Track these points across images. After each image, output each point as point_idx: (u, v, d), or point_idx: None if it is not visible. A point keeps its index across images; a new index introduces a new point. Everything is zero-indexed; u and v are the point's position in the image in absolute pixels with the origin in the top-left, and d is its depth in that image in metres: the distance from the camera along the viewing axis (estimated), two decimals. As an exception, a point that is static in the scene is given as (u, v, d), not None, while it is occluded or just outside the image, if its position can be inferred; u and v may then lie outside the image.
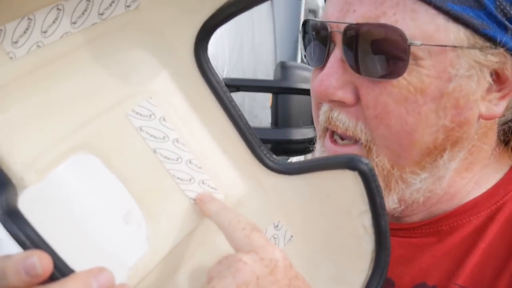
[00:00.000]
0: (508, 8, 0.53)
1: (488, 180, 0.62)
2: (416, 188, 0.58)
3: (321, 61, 0.59)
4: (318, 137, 0.64)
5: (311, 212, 0.51)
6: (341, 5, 0.56)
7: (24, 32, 0.40)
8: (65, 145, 0.43)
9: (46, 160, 0.42)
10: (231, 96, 0.49)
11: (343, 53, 0.56)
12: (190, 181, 0.49)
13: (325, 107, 0.60)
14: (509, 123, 0.63)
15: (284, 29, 3.96)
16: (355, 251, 0.48)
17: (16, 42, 0.40)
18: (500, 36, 0.53)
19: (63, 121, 0.43)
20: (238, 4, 0.43)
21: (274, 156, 0.51)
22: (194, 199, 0.49)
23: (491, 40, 0.53)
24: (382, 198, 0.45)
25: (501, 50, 0.54)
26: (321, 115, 0.60)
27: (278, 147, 3.11)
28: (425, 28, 0.52)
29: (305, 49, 0.63)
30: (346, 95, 0.56)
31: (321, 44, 0.59)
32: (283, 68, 2.62)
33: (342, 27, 0.55)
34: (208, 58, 0.48)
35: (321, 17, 0.60)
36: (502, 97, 0.57)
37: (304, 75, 2.12)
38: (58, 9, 0.41)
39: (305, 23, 0.63)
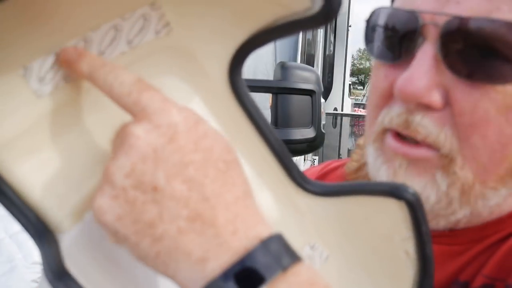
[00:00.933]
0: None
1: None
2: (491, 204, 0.53)
3: (399, 56, 0.52)
4: (372, 140, 0.57)
5: (348, 233, 0.48)
6: None
7: (51, 68, 0.38)
8: (95, 181, 0.39)
9: (78, 200, 0.39)
10: (266, 120, 0.47)
11: (439, 50, 0.49)
12: None
13: (398, 109, 0.52)
14: None
15: (284, 30, 3.95)
16: (395, 275, 0.46)
17: (42, 79, 0.38)
18: None
19: (90, 156, 0.41)
20: (274, 32, 0.41)
21: (311, 179, 0.49)
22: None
23: None
24: (427, 226, 0.43)
25: None
26: (388, 116, 0.53)
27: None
28: None
29: (370, 38, 0.56)
30: (436, 98, 0.49)
31: (405, 36, 0.51)
32: (283, 68, 2.62)
33: (441, 19, 0.48)
34: (243, 82, 0.46)
35: (402, 5, 0.52)
36: None
37: (304, 75, 2.12)
38: (84, 41, 0.39)
39: (377, 11, 0.55)
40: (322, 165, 0.81)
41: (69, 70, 0.38)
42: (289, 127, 2.65)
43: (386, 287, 0.48)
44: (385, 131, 0.55)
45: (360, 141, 0.69)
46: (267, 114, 3.66)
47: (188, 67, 0.45)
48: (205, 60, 0.45)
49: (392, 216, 0.44)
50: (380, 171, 0.55)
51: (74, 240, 0.38)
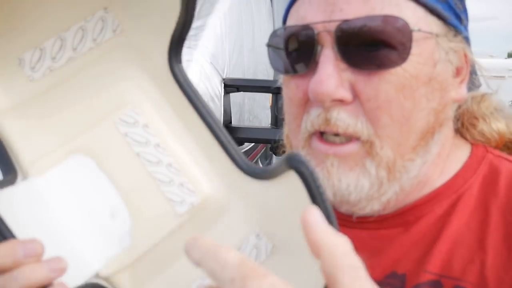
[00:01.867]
0: (458, 3, 0.60)
1: (450, 168, 0.64)
2: (411, 176, 0.59)
3: (307, 67, 0.58)
4: (301, 148, 0.62)
5: (290, 219, 0.49)
6: (323, 7, 0.57)
7: (39, 59, 0.51)
8: (65, 148, 0.52)
9: (47, 160, 0.51)
10: (207, 105, 0.52)
11: (337, 51, 0.56)
12: (169, 183, 0.53)
13: (316, 111, 0.58)
14: (456, 111, 0.66)
15: (284, 29, 3.96)
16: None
17: (33, 68, 0.51)
18: (458, 25, 0.60)
19: (66, 129, 0.52)
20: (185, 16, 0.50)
21: (250, 162, 0.51)
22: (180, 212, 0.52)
23: (454, 29, 0.59)
24: (321, 193, 0.42)
25: (460, 37, 0.60)
26: (310, 120, 0.59)
27: (278, 147, 3.11)
28: (409, 19, 0.55)
29: (276, 59, 0.63)
30: (345, 93, 0.56)
31: (304, 48, 0.58)
32: (283, 68, 2.63)
33: (332, 26, 0.55)
34: (182, 68, 0.52)
35: (295, 22, 0.60)
36: (462, 81, 0.62)
37: (304, 75, 2.13)
38: (60, 39, 0.52)
39: (275, 33, 0.63)
40: None
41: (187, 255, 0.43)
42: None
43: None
44: (310, 136, 0.60)
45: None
46: (267, 114, 3.67)
47: (139, 58, 0.54)
48: (151, 51, 0.54)
49: (297, 189, 0.45)
50: None
51: (31, 187, 0.49)
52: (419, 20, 0.56)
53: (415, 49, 0.55)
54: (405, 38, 0.55)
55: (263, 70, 3.60)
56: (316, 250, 0.37)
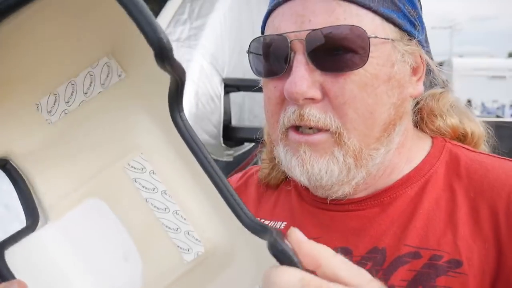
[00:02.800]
0: (412, 12, 0.70)
1: (416, 157, 0.74)
2: (376, 162, 0.68)
3: (282, 70, 0.67)
4: (279, 140, 0.70)
5: None
6: (294, 19, 0.66)
7: (54, 103, 0.54)
8: (80, 191, 0.54)
9: (65, 203, 0.53)
10: (208, 155, 0.51)
11: (308, 57, 0.64)
12: (176, 230, 0.54)
13: (291, 108, 0.67)
14: (414, 107, 0.77)
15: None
16: None
17: (50, 112, 0.54)
18: (412, 31, 0.69)
19: (80, 172, 0.54)
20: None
21: (252, 217, 0.50)
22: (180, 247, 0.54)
23: (408, 34, 0.69)
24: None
25: (415, 41, 0.69)
26: (286, 116, 0.67)
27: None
28: (368, 27, 0.64)
29: (257, 64, 0.71)
30: (316, 93, 0.65)
31: (280, 54, 0.66)
32: (283, 68, 2.62)
33: (302, 35, 0.64)
34: (184, 117, 0.51)
35: (272, 32, 0.68)
36: (419, 79, 0.72)
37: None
38: (72, 84, 0.54)
39: (254, 41, 0.71)
40: (242, 172, 0.93)
41: None
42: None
43: None
44: (287, 130, 0.69)
45: (263, 155, 0.88)
46: (267, 114, 3.67)
47: (146, 105, 0.56)
48: (154, 98, 0.54)
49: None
50: (292, 163, 0.69)
51: (52, 232, 0.51)
52: (376, 27, 0.66)
53: (374, 53, 0.65)
54: (364, 43, 0.64)
55: (263, 70, 3.60)
56: (314, 260, 0.44)
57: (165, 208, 0.54)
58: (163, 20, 2.71)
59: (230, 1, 2.90)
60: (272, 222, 0.79)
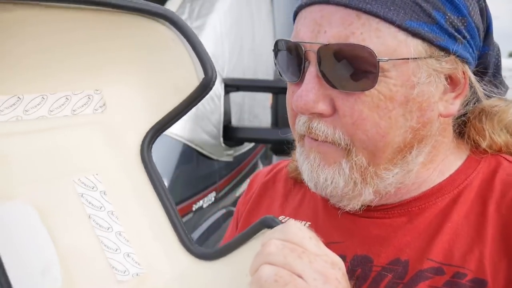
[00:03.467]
0: (456, 21, 0.62)
1: (450, 167, 0.69)
2: (389, 182, 0.65)
3: (297, 77, 0.64)
4: (297, 141, 0.70)
5: None
6: (312, 27, 0.62)
7: (11, 106, 0.52)
8: (14, 192, 0.51)
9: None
10: (166, 189, 0.57)
11: (319, 70, 0.61)
12: (116, 251, 0.54)
13: (303, 118, 0.65)
14: (462, 117, 0.71)
15: (284, 29, 3.96)
16: None
17: (1, 111, 0.51)
18: (451, 45, 0.62)
19: (17, 175, 0.52)
20: (174, 115, 0.57)
21: (195, 244, 0.56)
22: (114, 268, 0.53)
23: (444, 49, 0.62)
24: None
25: (453, 57, 0.62)
26: (299, 125, 0.66)
27: (278, 147, 3.11)
28: (389, 43, 0.59)
29: (279, 65, 0.69)
30: (324, 108, 0.62)
31: (296, 61, 0.64)
32: (283, 68, 2.62)
33: (316, 47, 0.61)
34: (151, 157, 0.58)
35: (293, 37, 0.66)
36: (456, 97, 0.66)
37: (304, 75, 2.12)
38: (43, 97, 0.54)
39: (277, 42, 0.69)
40: (271, 166, 0.92)
41: None
42: (289, 127, 2.64)
43: None
44: (303, 136, 0.67)
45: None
46: (267, 114, 3.67)
47: (112, 138, 0.58)
48: (125, 135, 0.58)
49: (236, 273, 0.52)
50: (303, 167, 0.68)
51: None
52: (399, 44, 0.60)
53: (391, 73, 0.60)
54: (372, 65, 0.59)
55: (263, 70, 3.60)
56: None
57: (108, 228, 0.54)
58: (163, 20, 2.71)
59: (230, 1, 2.89)
60: (296, 221, 0.76)
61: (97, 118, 0.57)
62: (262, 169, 0.94)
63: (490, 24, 0.68)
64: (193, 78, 0.56)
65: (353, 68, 0.60)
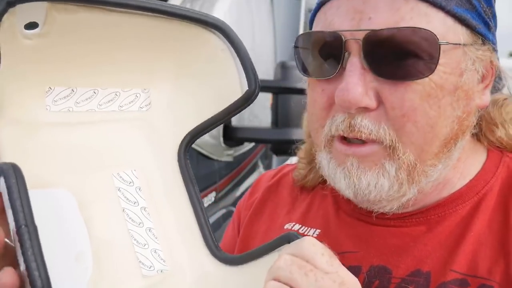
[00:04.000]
0: (487, 10, 0.61)
1: (470, 171, 0.67)
2: (432, 179, 0.62)
3: (333, 72, 0.60)
4: (322, 147, 0.64)
5: None
6: (351, 15, 0.58)
7: (65, 97, 0.56)
8: (55, 180, 0.53)
9: (41, 183, 0.52)
10: (198, 193, 0.59)
11: (364, 59, 0.57)
12: (144, 246, 0.55)
13: (341, 117, 0.60)
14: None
15: (284, 29, 3.96)
16: None
17: (55, 101, 0.55)
18: (487, 33, 0.61)
19: (60, 164, 0.54)
20: (212, 123, 0.60)
21: (221, 249, 0.58)
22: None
23: (482, 37, 0.61)
24: None
25: (487, 45, 0.61)
26: (334, 124, 0.61)
27: (278, 147, 3.10)
28: (438, 29, 0.56)
29: (305, 62, 0.64)
30: (370, 101, 0.58)
31: (331, 54, 0.59)
32: (283, 68, 2.62)
33: (360, 34, 0.57)
34: (187, 159, 0.60)
35: (323, 28, 0.61)
36: (486, 87, 0.64)
37: (304, 75, 2.12)
38: (94, 92, 0.58)
39: (302, 36, 0.64)
40: (277, 169, 0.89)
41: None
42: (289, 126, 2.64)
43: None
44: (332, 138, 0.62)
45: (301, 154, 0.82)
46: (267, 114, 3.67)
47: (153, 137, 0.61)
48: (165, 135, 0.61)
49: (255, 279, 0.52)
50: (337, 174, 0.63)
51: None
52: (448, 30, 0.57)
53: (442, 60, 0.56)
54: (433, 50, 0.56)
55: (263, 70, 3.60)
56: None
57: (140, 223, 0.56)
58: (163, 20, 2.71)
59: (230, 1, 2.89)
60: (303, 228, 0.74)
61: (142, 115, 0.60)
62: (266, 172, 0.92)
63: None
64: (237, 89, 0.58)
65: (408, 55, 0.56)
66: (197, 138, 0.61)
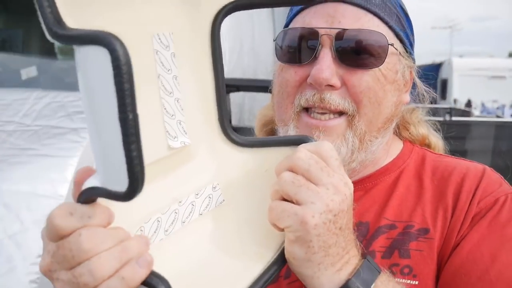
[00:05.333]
0: (410, 33, 0.84)
1: (392, 153, 0.90)
2: (372, 150, 0.82)
3: (308, 59, 0.78)
4: (290, 120, 0.81)
5: (248, 184, 0.61)
6: (325, 18, 0.77)
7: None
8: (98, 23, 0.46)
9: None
10: (222, 66, 0.60)
11: (334, 51, 0.76)
12: (172, 116, 0.56)
13: (311, 92, 0.77)
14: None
15: (284, 29, 3.95)
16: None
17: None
18: (411, 49, 0.84)
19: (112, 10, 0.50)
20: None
21: (235, 133, 0.61)
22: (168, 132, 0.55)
23: (408, 52, 0.83)
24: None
25: (411, 58, 0.84)
26: (304, 98, 0.78)
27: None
28: (386, 38, 0.78)
29: (285, 49, 0.81)
30: (337, 81, 0.77)
31: (308, 45, 0.78)
32: (283, 68, 2.61)
33: (333, 32, 0.76)
34: (219, 31, 0.60)
35: (302, 25, 0.79)
36: (407, 91, 0.86)
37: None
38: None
39: (286, 31, 0.82)
40: None
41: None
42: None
43: (263, 239, 0.59)
44: (300, 112, 0.80)
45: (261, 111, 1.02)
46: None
47: (193, 9, 0.58)
48: (205, 7, 0.59)
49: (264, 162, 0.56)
50: None
51: None
52: (390, 40, 0.79)
53: (387, 59, 0.78)
54: (383, 48, 0.77)
55: (263, 70, 3.60)
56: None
57: (171, 92, 0.56)
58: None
59: (230, 1, 2.89)
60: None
61: None
62: None
63: None
64: None
65: (366, 49, 0.76)
66: (237, 10, 0.60)
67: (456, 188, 0.81)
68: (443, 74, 16.50)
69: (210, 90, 0.60)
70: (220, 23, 0.61)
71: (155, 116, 0.54)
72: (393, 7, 0.81)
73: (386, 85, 0.78)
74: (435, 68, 17.23)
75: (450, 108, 6.67)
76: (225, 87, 0.60)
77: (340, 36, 0.75)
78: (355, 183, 0.80)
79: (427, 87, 0.93)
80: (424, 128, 0.95)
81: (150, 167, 0.50)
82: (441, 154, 0.92)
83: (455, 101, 13.97)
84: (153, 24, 0.54)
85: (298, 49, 0.79)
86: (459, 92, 15.19)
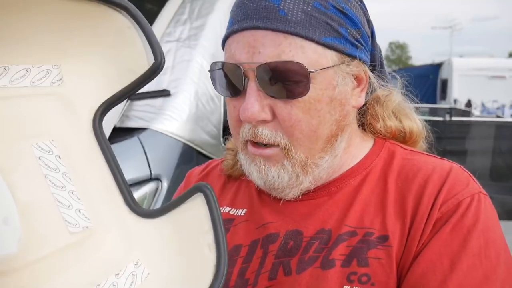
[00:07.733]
0: (355, 33, 0.79)
1: (359, 154, 0.87)
2: (323, 167, 0.81)
3: (238, 93, 0.77)
4: (240, 149, 0.83)
5: (169, 250, 0.61)
6: (247, 49, 0.75)
7: None
8: None
9: None
10: (115, 157, 0.65)
11: (258, 84, 0.75)
12: (68, 207, 0.59)
13: (247, 126, 0.78)
14: (363, 107, 0.88)
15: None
16: (201, 271, 0.57)
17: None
18: (354, 52, 0.79)
19: None
20: (123, 94, 0.65)
21: (139, 205, 0.65)
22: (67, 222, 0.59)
23: (350, 56, 0.78)
24: (219, 214, 0.57)
25: (356, 61, 0.80)
26: (244, 132, 0.79)
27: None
28: (312, 57, 0.74)
29: (218, 83, 0.81)
30: (266, 115, 0.76)
31: (236, 79, 0.77)
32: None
33: (254, 66, 0.74)
34: (102, 128, 0.65)
35: (227, 58, 0.79)
36: (362, 91, 0.83)
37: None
38: (5, 69, 0.59)
39: (214, 64, 0.81)
40: (204, 165, 1.07)
41: None
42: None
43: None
44: (246, 142, 0.81)
45: (229, 145, 1.00)
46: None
47: (68, 109, 0.64)
48: (80, 106, 0.64)
49: (198, 214, 0.58)
50: (251, 169, 0.82)
51: None
52: (319, 56, 0.75)
53: (316, 79, 0.74)
54: (305, 76, 0.73)
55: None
56: None
57: (62, 187, 0.60)
58: (163, 20, 2.71)
59: (230, 1, 2.89)
60: (233, 209, 0.92)
61: (54, 90, 0.63)
62: (194, 168, 1.09)
63: (373, 30, 0.86)
64: (144, 62, 0.62)
65: (288, 80, 0.73)
66: (112, 107, 0.66)
67: (418, 192, 0.78)
68: (443, 74, 16.48)
69: (108, 177, 0.64)
70: (101, 121, 0.65)
71: (50, 209, 0.58)
72: (322, 13, 0.75)
73: (321, 110, 0.76)
74: (435, 68, 17.21)
75: (450, 108, 6.66)
76: (121, 171, 0.64)
77: (260, 69, 0.73)
78: (320, 188, 0.85)
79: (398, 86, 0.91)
80: (394, 120, 0.90)
81: (57, 257, 0.57)
82: (412, 150, 0.88)
83: (455, 101, 13.95)
84: (31, 137, 0.60)
85: (229, 83, 0.78)
86: (459, 92, 15.16)
